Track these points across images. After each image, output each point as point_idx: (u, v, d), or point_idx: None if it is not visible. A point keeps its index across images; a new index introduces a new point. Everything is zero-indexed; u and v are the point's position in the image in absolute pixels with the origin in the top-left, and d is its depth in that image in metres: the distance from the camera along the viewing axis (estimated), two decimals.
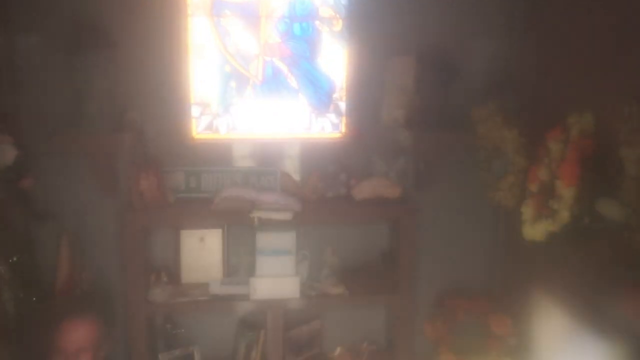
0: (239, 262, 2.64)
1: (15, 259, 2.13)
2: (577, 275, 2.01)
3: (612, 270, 1.78)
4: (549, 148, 1.96)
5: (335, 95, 2.66)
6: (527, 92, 2.43)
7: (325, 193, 2.61)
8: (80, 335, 2.18)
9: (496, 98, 2.42)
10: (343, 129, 2.68)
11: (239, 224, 2.52)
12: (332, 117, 2.68)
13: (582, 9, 2.07)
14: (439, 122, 2.47)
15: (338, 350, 2.78)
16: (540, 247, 2.03)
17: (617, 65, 1.86)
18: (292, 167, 2.67)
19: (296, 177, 2.65)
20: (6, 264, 2.09)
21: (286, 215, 2.44)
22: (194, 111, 2.58)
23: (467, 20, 2.58)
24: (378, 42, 2.55)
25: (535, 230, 2.00)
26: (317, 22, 2.60)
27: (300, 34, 2.60)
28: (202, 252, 2.63)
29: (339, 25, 2.61)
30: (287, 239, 2.58)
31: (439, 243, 2.74)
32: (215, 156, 2.59)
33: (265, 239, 2.55)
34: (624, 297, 1.72)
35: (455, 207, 2.71)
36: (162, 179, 2.47)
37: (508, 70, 2.57)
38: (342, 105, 2.67)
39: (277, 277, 2.54)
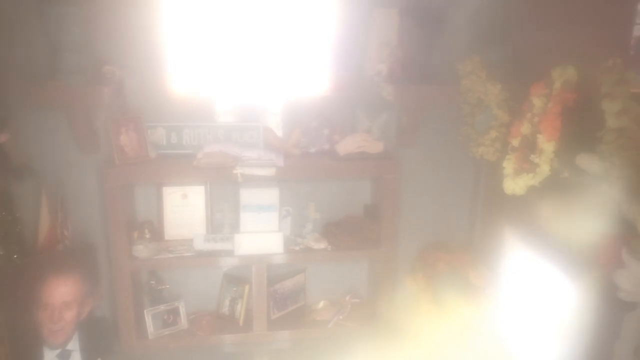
0: (223, 218, 2.65)
1: None
2: (553, 226, 2.05)
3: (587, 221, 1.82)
4: (532, 103, 1.97)
5: (318, 49, 2.61)
6: (511, 46, 2.41)
7: (308, 148, 2.61)
8: (64, 290, 2.20)
9: (480, 52, 2.40)
10: (326, 83, 2.65)
11: (222, 180, 2.51)
12: (315, 71, 2.64)
13: None
14: (422, 76, 2.45)
15: (322, 303, 2.84)
16: (520, 200, 2.07)
17: (600, 17, 1.86)
18: (275, 123, 2.64)
19: (279, 132, 2.63)
20: None
21: (269, 171, 2.43)
22: (175, 65, 2.51)
23: None
24: None
25: (516, 185, 2.03)
26: None
27: None
28: (185, 208, 2.63)
29: None
30: (270, 195, 2.58)
31: (421, 197, 2.77)
32: (197, 111, 2.55)
33: (248, 195, 2.56)
34: (598, 247, 1.77)
35: (437, 161, 2.73)
36: (143, 135, 2.43)
37: (492, 24, 2.54)
38: (325, 59, 2.62)
39: (260, 233, 2.56)
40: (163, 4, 2.41)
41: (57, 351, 2.25)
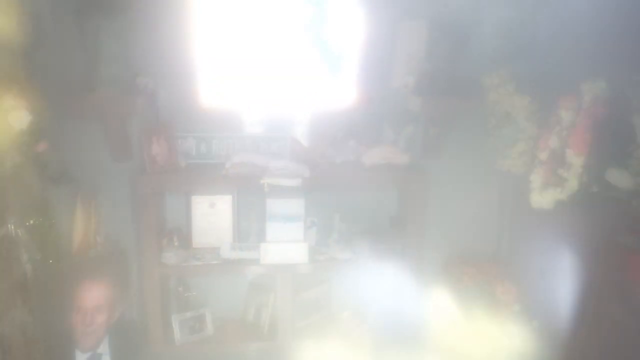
0: (249, 227, 2.69)
1: (32, 221, 2.17)
2: (584, 243, 2.03)
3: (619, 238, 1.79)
4: (560, 116, 1.96)
5: (345, 62, 2.64)
6: (540, 59, 2.40)
7: (334, 159, 2.63)
8: (96, 294, 2.26)
9: (507, 64, 2.39)
10: (353, 95, 2.67)
11: (249, 189, 2.55)
12: (343, 83, 2.66)
13: None
14: (449, 89, 2.46)
15: (346, 313, 2.85)
16: (548, 214, 2.05)
17: (630, 32, 1.84)
18: (301, 133, 2.67)
19: (305, 143, 2.66)
20: (23, 227, 2.14)
21: (295, 182, 2.46)
22: (206, 77, 2.57)
23: None
24: (389, 8, 2.52)
25: (543, 199, 2.02)
26: None
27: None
28: (212, 217, 2.68)
29: None
30: (296, 205, 2.61)
31: (446, 209, 2.76)
32: (226, 122, 2.60)
33: (274, 205, 2.59)
34: (630, 264, 1.74)
35: (463, 173, 2.72)
36: (174, 144, 2.49)
37: (520, 37, 2.53)
38: (353, 72, 2.65)
39: (286, 243, 2.58)
40: (195, 17, 2.47)
41: (88, 354, 2.30)
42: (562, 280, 2.19)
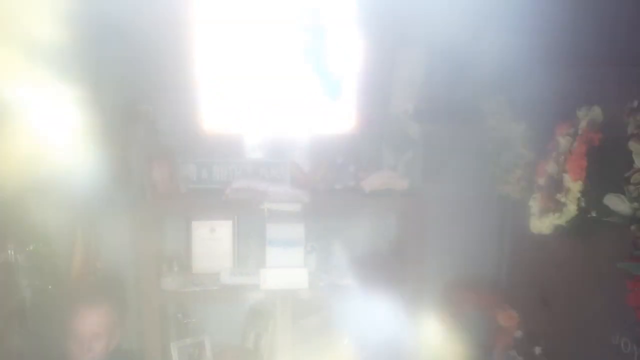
0: (249, 252, 2.68)
1: (31, 247, 2.18)
2: (584, 269, 2.02)
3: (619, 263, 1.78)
4: (557, 142, 1.97)
5: (345, 87, 2.67)
6: (536, 85, 2.42)
7: (334, 184, 2.64)
8: (94, 321, 2.25)
9: (505, 91, 2.42)
10: (352, 120, 2.69)
11: (249, 215, 2.55)
12: (342, 108, 2.69)
13: (591, 3, 2.06)
14: (447, 115, 2.48)
15: (345, 340, 2.82)
16: (548, 240, 2.04)
17: (625, 58, 1.86)
18: (301, 159, 2.69)
19: (305, 168, 2.68)
20: (23, 253, 2.15)
21: (295, 207, 2.47)
22: (206, 103, 2.61)
23: (476, 13, 2.57)
24: (388, 35, 2.56)
25: (542, 224, 2.01)
26: (327, 14, 2.61)
27: (311, 25, 2.62)
28: (212, 242, 2.68)
29: (349, 17, 2.61)
30: (296, 231, 2.61)
31: (446, 235, 2.75)
32: (227, 147, 2.62)
33: (274, 230, 2.59)
34: (630, 289, 1.73)
35: (463, 199, 2.72)
36: (174, 170, 2.51)
37: (517, 64, 2.56)
38: (352, 97, 2.68)
39: (286, 268, 2.58)
40: (195, 43, 2.51)
41: None
42: (562, 306, 2.17)
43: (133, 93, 2.42)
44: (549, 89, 2.31)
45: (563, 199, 1.89)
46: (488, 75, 2.56)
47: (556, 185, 1.96)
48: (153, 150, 2.51)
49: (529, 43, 2.48)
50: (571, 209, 1.87)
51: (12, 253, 2.15)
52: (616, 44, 1.91)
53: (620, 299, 1.77)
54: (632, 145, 1.65)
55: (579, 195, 1.84)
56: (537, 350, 2.36)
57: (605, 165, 1.80)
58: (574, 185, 1.84)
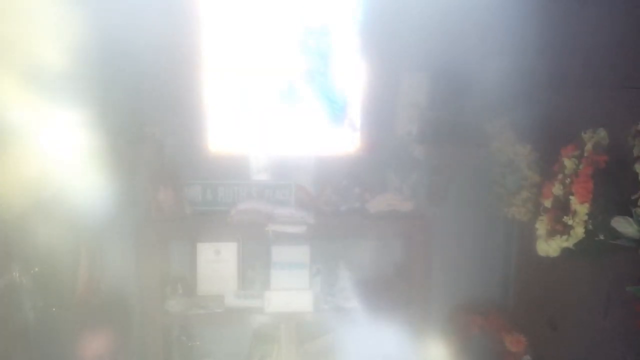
0: (254, 275, 2.67)
1: (36, 269, 2.18)
2: (592, 292, 2.00)
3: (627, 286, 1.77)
4: (563, 164, 1.96)
5: (349, 110, 2.69)
6: (541, 107, 2.43)
7: (339, 206, 2.63)
8: (98, 343, 2.23)
9: (509, 113, 2.42)
10: (357, 143, 2.70)
11: (255, 237, 2.55)
12: (347, 131, 2.71)
13: (596, 26, 2.08)
14: (452, 137, 2.49)
15: None
16: (555, 262, 2.03)
17: (630, 80, 1.87)
18: (306, 181, 2.70)
19: (310, 190, 2.68)
20: (28, 274, 2.14)
21: (300, 229, 2.46)
22: (211, 125, 2.63)
23: (480, 36, 2.60)
24: (392, 58, 2.58)
25: (549, 246, 1.99)
26: (331, 37, 2.64)
27: (315, 49, 2.65)
28: (217, 264, 2.67)
29: (353, 41, 2.65)
30: (301, 253, 2.61)
31: (452, 258, 2.73)
32: (232, 169, 2.63)
33: (279, 253, 2.59)
34: (639, 314, 1.71)
35: (468, 221, 2.71)
36: (180, 192, 2.52)
37: (521, 86, 2.58)
38: (356, 120, 2.69)
39: (290, 291, 2.56)
40: (200, 65, 2.54)
41: None
42: (570, 330, 2.15)
43: (139, 115, 2.43)
44: (554, 111, 2.32)
45: (570, 222, 1.88)
46: (493, 97, 2.58)
47: (562, 207, 1.95)
48: (158, 172, 2.52)
49: (534, 66, 2.50)
50: (578, 231, 1.85)
51: (17, 275, 2.15)
52: (621, 67, 1.92)
53: (629, 322, 1.74)
54: (638, 167, 1.64)
55: (586, 217, 1.83)
56: None
57: (611, 187, 1.80)
58: (581, 208, 1.83)
